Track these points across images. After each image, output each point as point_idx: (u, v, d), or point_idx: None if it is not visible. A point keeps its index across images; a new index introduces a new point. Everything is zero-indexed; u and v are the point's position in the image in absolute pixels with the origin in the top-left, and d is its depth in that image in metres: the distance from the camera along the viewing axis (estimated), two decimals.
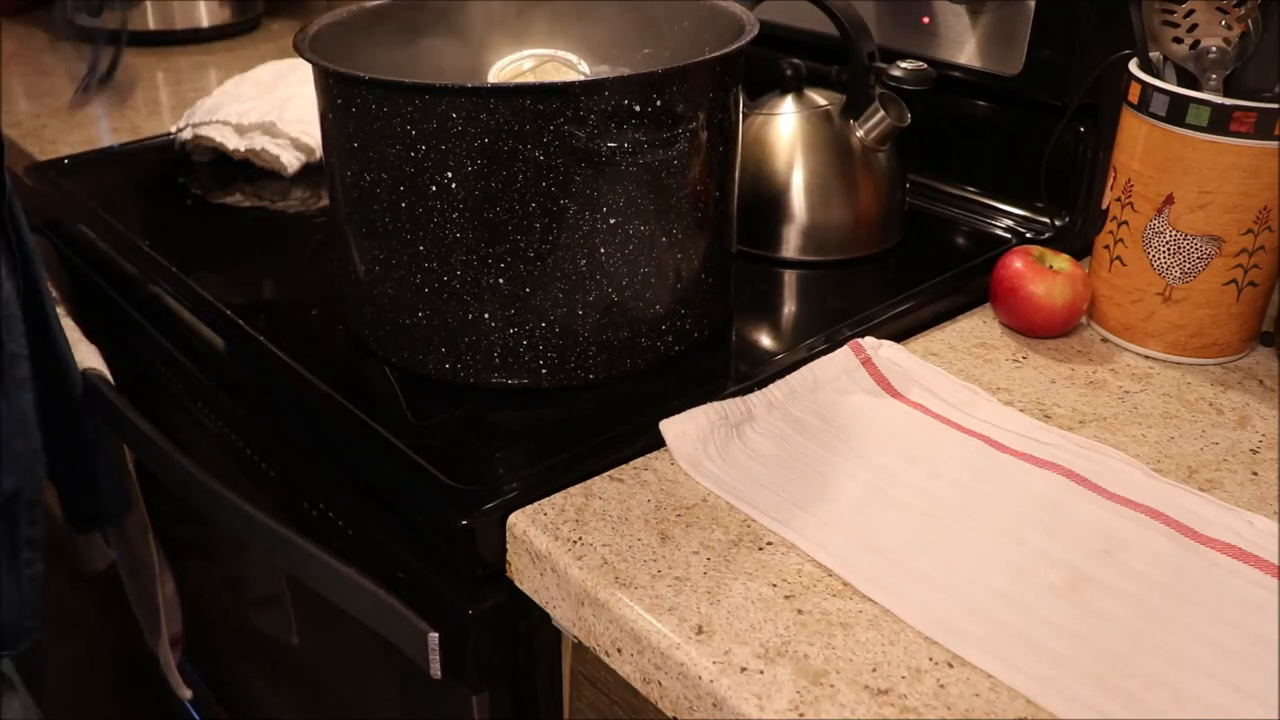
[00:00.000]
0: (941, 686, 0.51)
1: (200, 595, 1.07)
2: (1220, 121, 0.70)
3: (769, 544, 0.59)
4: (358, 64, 0.67)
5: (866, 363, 0.73)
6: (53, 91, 1.33)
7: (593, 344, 0.70)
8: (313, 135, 1.05)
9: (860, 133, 0.86)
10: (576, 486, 0.63)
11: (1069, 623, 0.53)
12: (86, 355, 0.87)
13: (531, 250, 0.66)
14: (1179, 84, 0.73)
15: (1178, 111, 0.71)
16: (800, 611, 0.55)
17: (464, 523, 0.60)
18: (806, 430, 0.67)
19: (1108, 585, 0.56)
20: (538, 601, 0.61)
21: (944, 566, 0.57)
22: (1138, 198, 0.75)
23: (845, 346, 0.74)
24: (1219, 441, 0.68)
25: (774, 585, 0.56)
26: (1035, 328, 0.78)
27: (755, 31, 0.71)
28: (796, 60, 0.88)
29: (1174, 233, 0.73)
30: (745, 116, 0.87)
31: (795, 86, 0.88)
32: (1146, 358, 0.77)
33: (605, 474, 0.64)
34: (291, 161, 1.05)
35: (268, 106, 1.08)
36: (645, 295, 0.70)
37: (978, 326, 0.81)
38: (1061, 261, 0.79)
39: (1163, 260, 0.75)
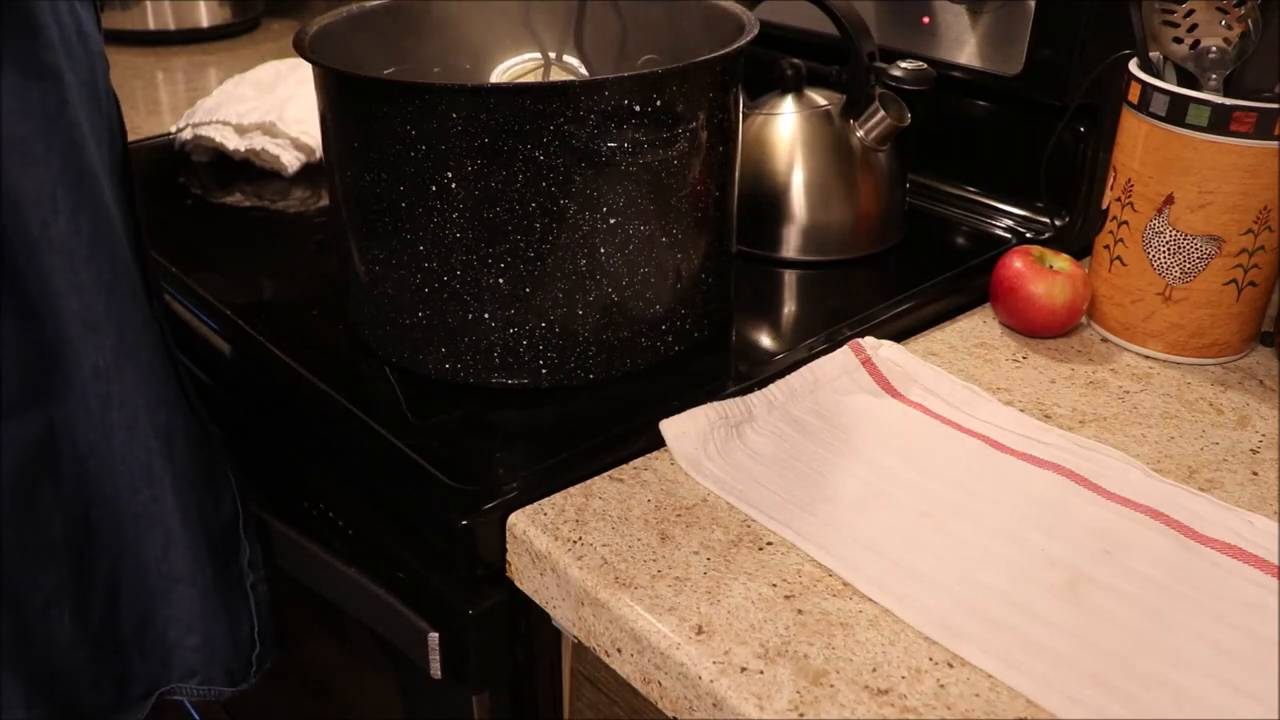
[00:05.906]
0: (941, 686, 0.51)
1: None
2: (1220, 121, 0.70)
3: (769, 544, 0.59)
4: (358, 64, 0.67)
5: (866, 363, 0.73)
6: None
7: (593, 344, 0.70)
8: (313, 135, 1.05)
9: (860, 133, 0.86)
10: (576, 486, 0.63)
11: (1069, 623, 0.53)
12: None
13: (531, 250, 0.66)
14: (1179, 84, 0.73)
15: (1178, 111, 0.71)
16: (800, 611, 0.55)
17: (464, 523, 0.60)
18: (806, 430, 0.67)
19: (1108, 585, 0.56)
20: (538, 601, 0.61)
21: (944, 566, 0.57)
22: (1138, 198, 0.75)
23: (845, 346, 0.74)
24: (1219, 441, 0.68)
25: (774, 585, 0.56)
26: (1035, 328, 0.78)
27: (755, 31, 0.71)
28: (796, 60, 0.88)
29: (1174, 233, 0.73)
30: (745, 116, 0.87)
31: (795, 86, 0.88)
32: (1146, 358, 0.77)
33: (605, 474, 0.64)
34: (291, 161, 1.05)
35: (268, 106, 1.08)
36: (645, 295, 0.70)
37: (978, 326, 0.81)
38: (1061, 261, 0.79)
39: (1163, 260, 0.75)
